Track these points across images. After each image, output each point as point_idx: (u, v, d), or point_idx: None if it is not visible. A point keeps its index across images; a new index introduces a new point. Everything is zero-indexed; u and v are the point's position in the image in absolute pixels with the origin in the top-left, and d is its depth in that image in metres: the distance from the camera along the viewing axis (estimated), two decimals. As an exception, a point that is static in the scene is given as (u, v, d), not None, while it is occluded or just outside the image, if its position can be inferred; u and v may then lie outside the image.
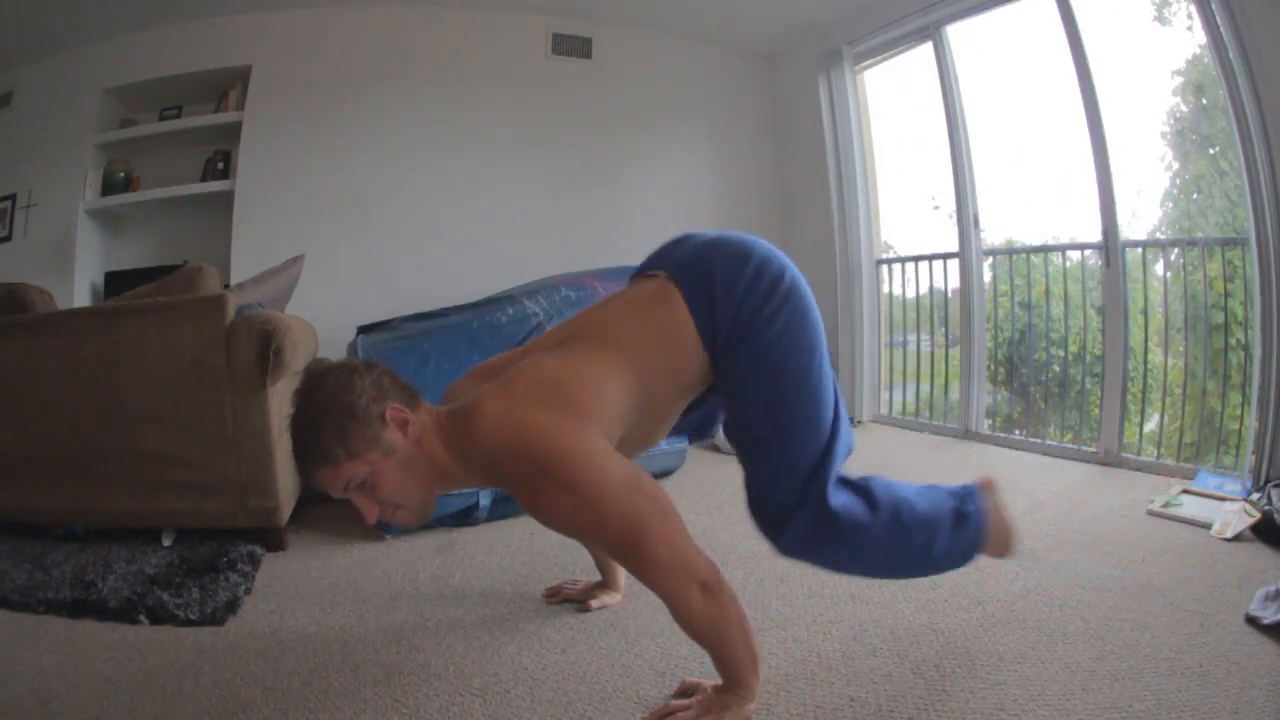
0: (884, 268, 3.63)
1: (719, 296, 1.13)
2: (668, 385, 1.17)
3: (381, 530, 2.03)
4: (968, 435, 3.14)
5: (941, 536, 1.22)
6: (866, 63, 3.60)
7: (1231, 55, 2.15)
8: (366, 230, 3.46)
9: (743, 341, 1.14)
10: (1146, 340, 2.76)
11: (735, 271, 1.15)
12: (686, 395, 1.23)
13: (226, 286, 2.15)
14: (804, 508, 1.14)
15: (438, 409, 1.18)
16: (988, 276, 3.24)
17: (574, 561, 1.81)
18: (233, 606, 1.55)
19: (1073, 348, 3.13)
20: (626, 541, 1.02)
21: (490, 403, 1.08)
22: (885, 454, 2.86)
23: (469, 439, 1.08)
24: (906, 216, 3.76)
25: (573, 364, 1.11)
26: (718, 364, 1.17)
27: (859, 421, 3.49)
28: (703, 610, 1.05)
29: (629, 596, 1.56)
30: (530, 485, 1.03)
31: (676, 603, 1.05)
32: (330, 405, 1.07)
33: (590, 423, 1.05)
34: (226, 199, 3.31)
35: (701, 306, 1.14)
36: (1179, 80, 2.86)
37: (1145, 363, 2.74)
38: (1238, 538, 1.78)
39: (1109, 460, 2.59)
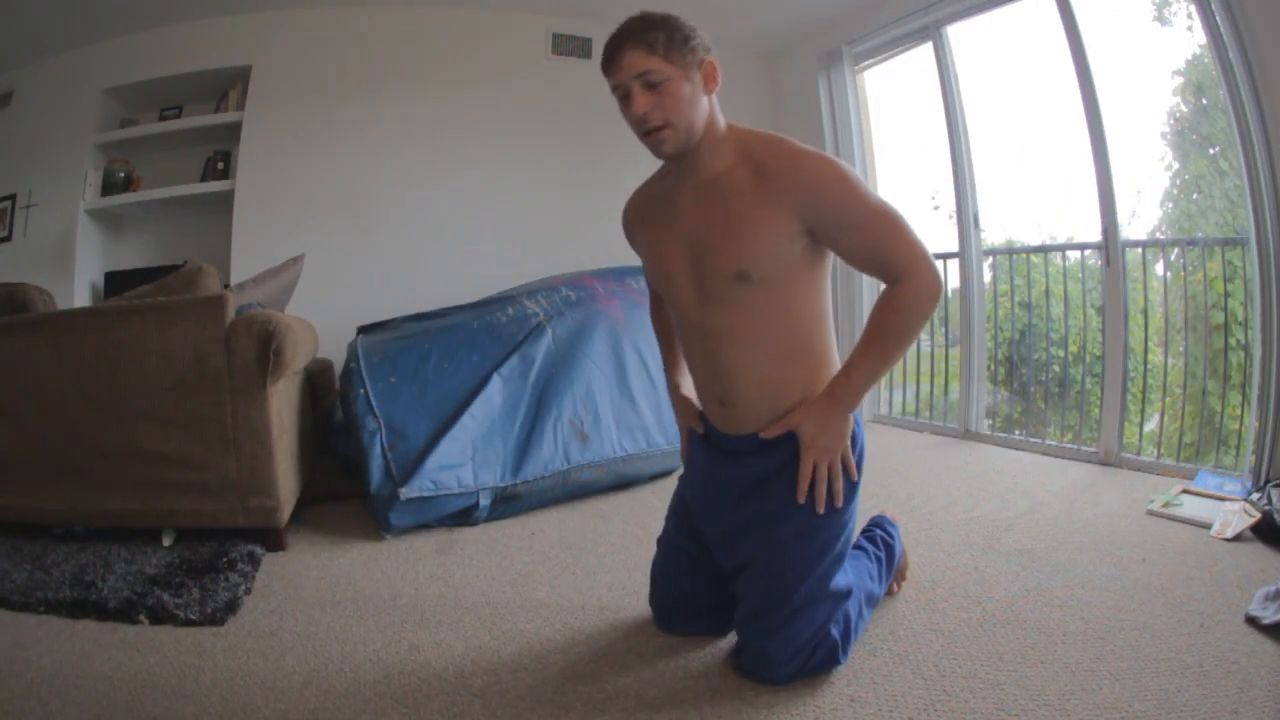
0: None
1: None
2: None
3: (381, 530, 2.03)
4: (967, 435, 3.14)
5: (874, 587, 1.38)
6: (866, 63, 3.60)
7: (1231, 55, 2.15)
8: (366, 230, 3.46)
9: None
10: (1146, 340, 2.76)
11: None
12: None
13: (226, 286, 2.15)
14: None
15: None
16: (988, 276, 3.24)
17: (574, 561, 1.81)
18: (233, 606, 1.55)
19: (1073, 348, 3.13)
20: (885, 215, 1.12)
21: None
22: (885, 454, 2.86)
23: (757, 134, 1.18)
24: (906, 216, 3.75)
25: None
26: None
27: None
28: (928, 292, 1.12)
29: (628, 594, 1.56)
30: (808, 154, 1.12)
31: (912, 277, 1.12)
32: (680, 22, 1.15)
33: None
34: (226, 199, 3.31)
35: None
36: (1179, 80, 2.87)
37: (1145, 363, 2.75)
38: (1238, 538, 1.78)
39: (1109, 460, 2.59)
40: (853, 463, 1.23)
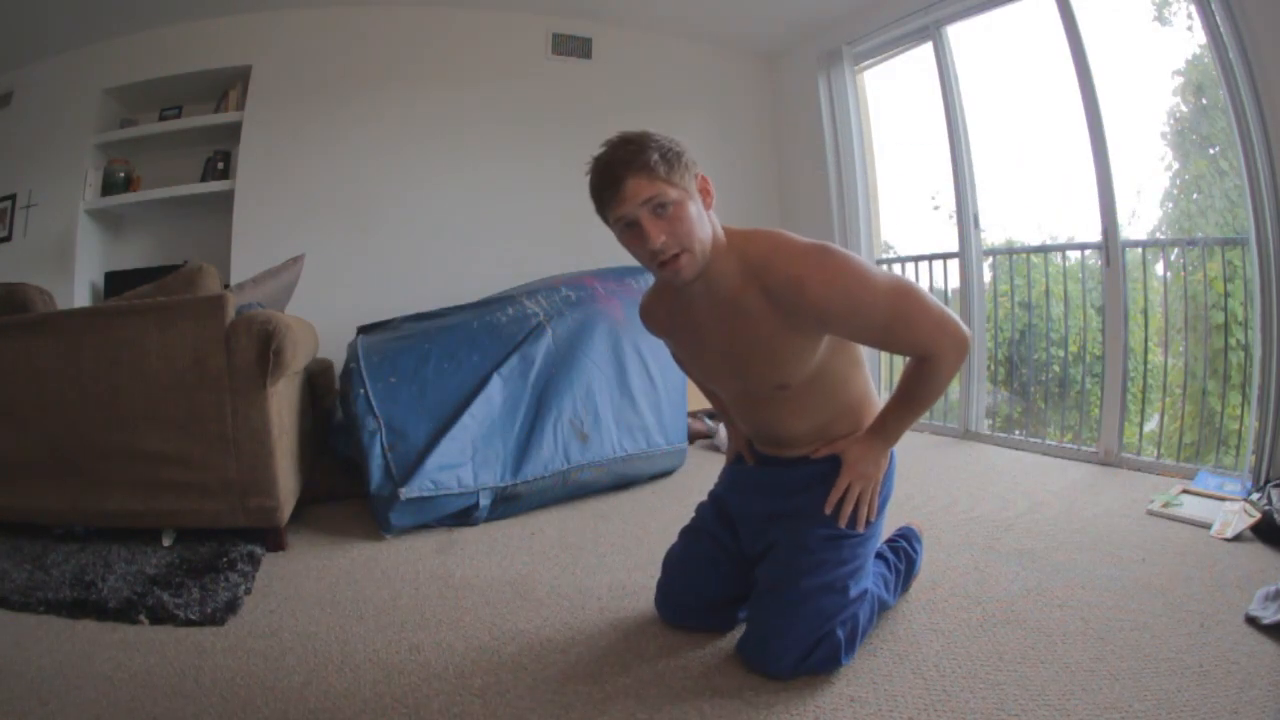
0: (884, 268, 3.62)
1: None
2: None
3: (381, 530, 2.03)
4: (967, 435, 3.14)
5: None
6: (866, 63, 3.60)
7: (1231, 55, 2.15)
8: (366, 230, 3.46)
9: None
10: (1146, 340, 2.76)
11: None
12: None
13: (226, 286, 2.15)
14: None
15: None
16: (988, 276, 3.24)
17: (574, 561, 1.81)
18: (233, 606, 1.55)
19: (1073, 348, 3.13)
20: (901, 310, 1.14)
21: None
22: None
23: (752, 240, 1.18)
24: (906, 216, 3.76)
25: None
26: None
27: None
28: (957, 356, 1.19)
29: (628, 594, 1.56)
30: (806, 265, 1.11)
31: (938, 355, 1.18)
32: (664, 138, 1.11)
33: None
34: (226, 199, 3.31)
35: None
36: (1179, 80, 2.86)
37: (1145, 363, 2.74)
38: (1238, 538, 1.78)
39: (1109, 460, 2.59)
40: (878, 500, 1.32)
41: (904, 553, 1.52)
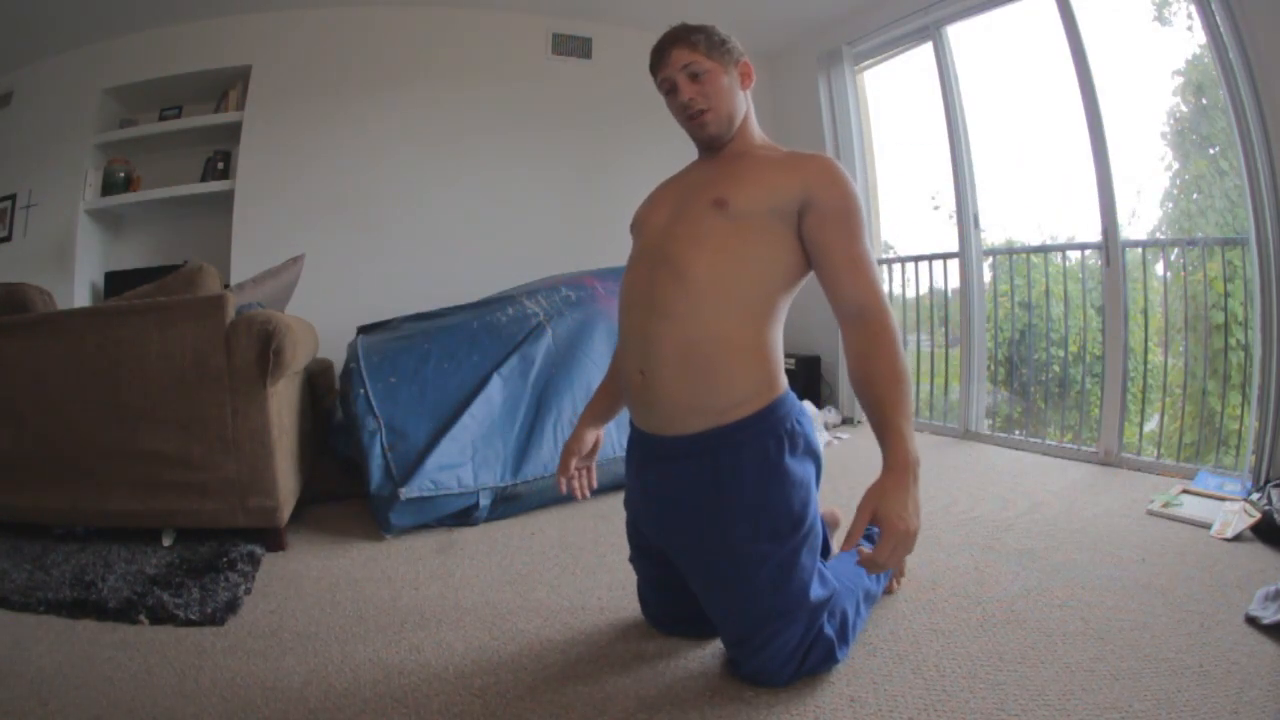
0: (884, 268, 3.63)
1: None
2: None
3: (381, 530, 2.03)
4: (968, 435, 3.14)
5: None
6: (866, 63, 3.60)
7: (1231, 55, 2.15)
8: (366, 230, 3.46)
9: None
10: (1146, 340, 2.76)
11: None
12: None
13: (226, 286, 2.15)
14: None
15: None
16: (988, 276, 3.24)
17: (574, 561, 1.81)
18: (233, 606, 1.55)
19: (1073, 348, 3.13)
20: (869, 252, 1.18)
21: None
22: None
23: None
24: (906, 216, 3.76)
25: None
26: None
27: (859, 422, 3.49)
28: (895, 325, 1.14)
29: (628, 594, 1.56)
30: (829, 160, 1.21)
31: (882, 314, 1.14)
32: (714, 27, 1.30)
33: None
34: (226, 199, 3.32)
35: None
36: (1179, 80, 2.87)
37: (1145, 363, 2.75)
38: (1238, 538, 1.78)
39: (1109, 460, 2.59)
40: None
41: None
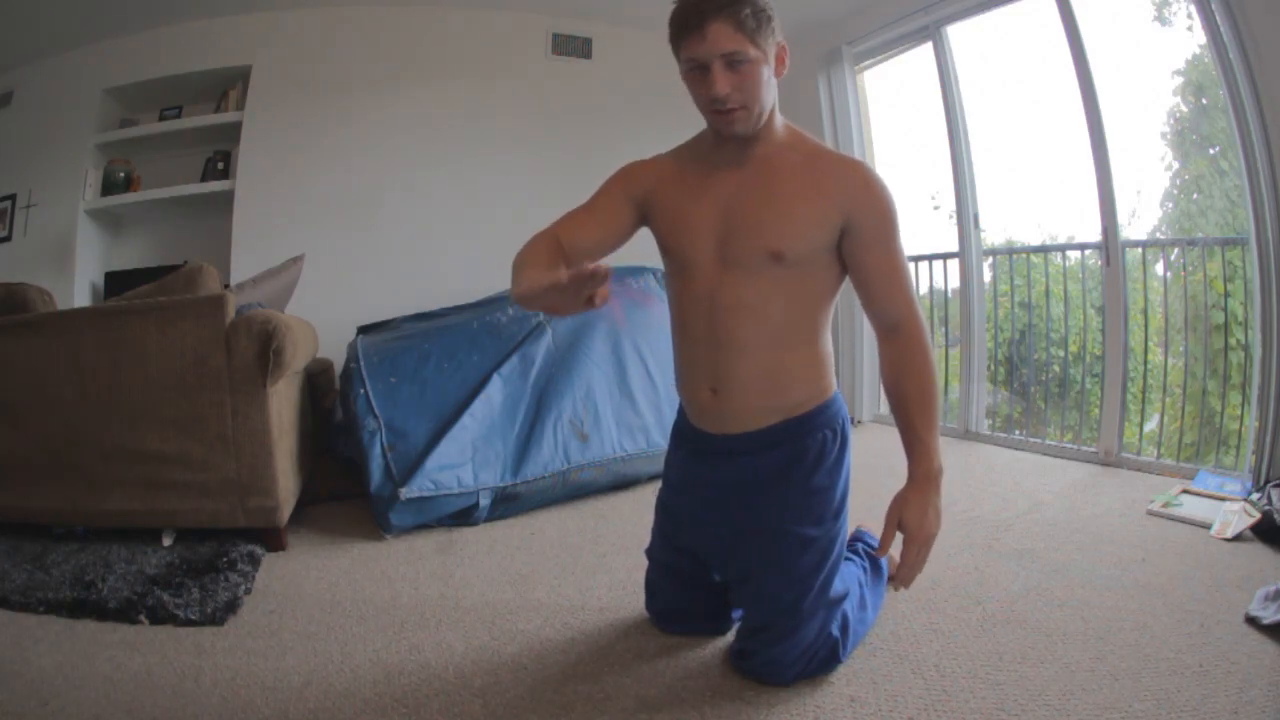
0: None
1: None
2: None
3: (381, 530, 2.03)
4: (968, 435, 3.14)
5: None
6: (866, 63, 3.60)
7: (1231, 55, 2.15)
8: (366, 230, 3.46)
9: None
10: (1146, 340, 2.76)
11: None
12: None
13: (226, 286, 2.15)
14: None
15: None
16: (988, 276, 3.24)
17: (574, 561, 1.81)
18: (233, 606, 1.55)
19: (1073, 348, 3.13)
20: (895, 259, 1.17)
21: None
22: (885, 454, 2.85)
23: (808, 136, 1.22)
24: (906, 216, 3.75)
25: None
26: None
27: (859, 421, 3.49)
28: (928, 339, 1.18)
29: (628, 594, 1.56)
30: (860, 163, 1.19)
31: (918, 328, 1.17)
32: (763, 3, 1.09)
33: None
34: (226, 199, 3.31)
35: None
36: (1179, 80, 2.87)
37: (1145, 363, 2.75)
38: (1238, 538, 1.78)
39: (1109, 460, 2.59)
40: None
41: (864, 551, 1.48)
